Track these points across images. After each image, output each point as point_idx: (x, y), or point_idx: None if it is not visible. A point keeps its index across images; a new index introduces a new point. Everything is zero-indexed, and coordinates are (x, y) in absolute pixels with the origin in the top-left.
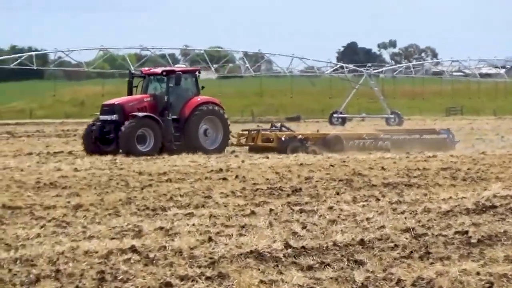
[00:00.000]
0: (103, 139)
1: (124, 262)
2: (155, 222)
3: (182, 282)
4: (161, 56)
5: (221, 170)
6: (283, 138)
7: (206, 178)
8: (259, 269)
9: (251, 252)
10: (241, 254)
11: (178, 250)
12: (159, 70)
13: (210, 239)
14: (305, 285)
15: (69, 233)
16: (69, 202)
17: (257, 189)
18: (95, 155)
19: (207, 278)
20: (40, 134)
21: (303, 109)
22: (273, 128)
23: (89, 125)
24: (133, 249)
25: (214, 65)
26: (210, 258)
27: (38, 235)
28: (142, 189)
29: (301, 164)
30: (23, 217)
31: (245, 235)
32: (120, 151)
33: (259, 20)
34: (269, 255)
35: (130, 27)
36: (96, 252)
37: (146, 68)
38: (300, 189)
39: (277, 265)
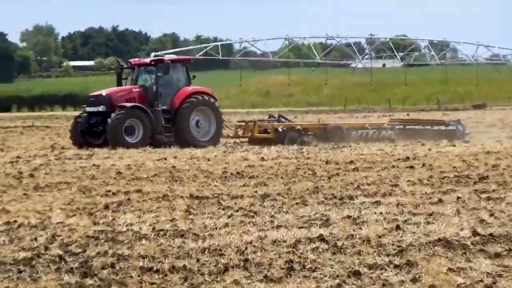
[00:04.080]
0: (90, 131)
1: (312, 251)
2: (342, 211)
3: (370, 271)
4: (346, 45)
5: (407, 158)
6: (280, 129)
7: (393, 166)
8: (447, 257)
9: (439, 240)
10: (429, 242)
11: (366, 239)
12: (148, 60)
13: (397, 227)
14: (493, 272)
15: (257, 222)
16: (256, 191)
17: (444, 177)
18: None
19: (396, 266)
20: (227, 123)
21: (488, 97)
22: (271, 118)
23: (75, 117)
24: (321, 238)
25: (400, 54)
26: (398, 246)
27: (226, 225)
28: (329, 178)
29: (488, 152)
30: (210, 207)
31: (433, 223)
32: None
33: (444, 8)
34: (457, 242)
35: (316, 16)
36: (284, 241)
37: (136, 59)
38: (487, 176)
39: (465, 253)
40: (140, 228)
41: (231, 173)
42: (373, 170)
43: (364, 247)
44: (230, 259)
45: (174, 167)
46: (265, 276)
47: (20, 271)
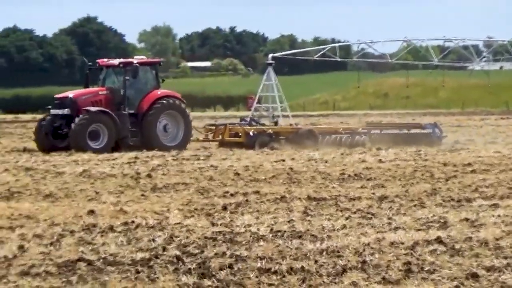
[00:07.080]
0: (55, 134)
1: (430, 253)
2: (460, 213)
3: (488, 273)
4: (463, 47)
5: None
6: (251, 133)
7: (511, 169)
8: None
9: None
10: None
11: (483, 241)
12: (116, 61)
13: None
14: None
15: (375, 224)
16: (374, 193)
17: None
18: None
19: None
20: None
21: None
22: (242, 122)
23: (39, 120)
24: (439, 240)
25: None
26: None
27: (344, 226)
28: (447, 180)
29: None
30: (328, 209)
31: None
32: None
33: None
34: None
35: (434, 17)
36: (402, 243)
37: (105, 60)
38: None
39: None
40: (258, 229)
41: (349, 175)
42: (491, 173)
43: (482, 250)
44: (348, 261)
45: (291, 168)
46: (383, 278)
47: (138, 272)
